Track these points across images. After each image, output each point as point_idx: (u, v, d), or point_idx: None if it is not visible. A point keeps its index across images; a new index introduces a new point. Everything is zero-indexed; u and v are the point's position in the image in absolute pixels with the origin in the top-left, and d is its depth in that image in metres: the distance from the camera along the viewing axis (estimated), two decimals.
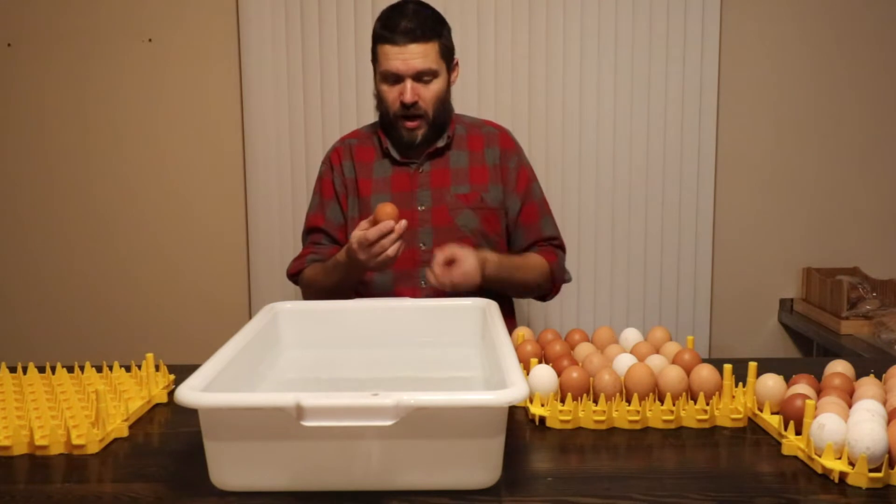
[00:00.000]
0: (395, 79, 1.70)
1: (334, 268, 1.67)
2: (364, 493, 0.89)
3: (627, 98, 2.65)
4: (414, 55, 1.67)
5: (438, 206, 1.77)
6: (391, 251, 1.48)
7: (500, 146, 1.84)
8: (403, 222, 1.48)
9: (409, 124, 1.73)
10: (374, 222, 1.48)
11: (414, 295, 1.72)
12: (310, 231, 1.84)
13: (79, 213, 2.71)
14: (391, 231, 1.47)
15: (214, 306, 2.73)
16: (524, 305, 2.52)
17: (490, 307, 1.32)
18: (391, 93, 1.72)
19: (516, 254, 1.81)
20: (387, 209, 1.48)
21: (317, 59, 2.61)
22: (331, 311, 1.41)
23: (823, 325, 2.58)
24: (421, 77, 1.70)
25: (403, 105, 1.70)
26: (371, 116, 2.61)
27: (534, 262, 1.80)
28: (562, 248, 1.89)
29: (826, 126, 2.74)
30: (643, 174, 2.69)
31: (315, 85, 2.62)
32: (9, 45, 2.64)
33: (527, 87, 2.64)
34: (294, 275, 1.82)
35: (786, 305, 2.80)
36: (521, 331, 1.41)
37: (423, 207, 1.77)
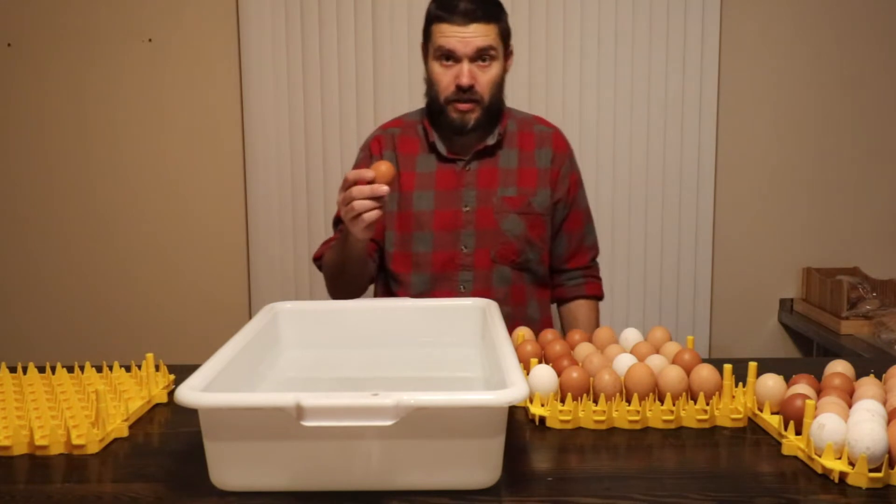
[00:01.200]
0: (452, 58, 1.62)
1: (339, 238, 1.61)
2: (364, 493, 0.89)
3: (627, 99, 2.66)
4: (475, 34, 1.59)
5: (483, 207, 1.70)
6: (357, 205, 1.34)
7: (553, 148, 1.76)
8: (384, 188, 1.33)
9: (462, 106, 1.63)
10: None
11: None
12: (339, 220, 1.73)
13: (79, 214, 2.71)
14: (369, 182, 1.33)
15: (214, 307, 2.73)
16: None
17: (490, 307, 1.32)
18: (445, 75, 1.64)
19: (583, 329, 1.74)
20: (381, 167, 1.36)
21: (317, 59, 2.61)
22: (331, 311, 1.41)
23: (823, 325, 2.58)
24: (480, 57, 1.62)
25: (459, 88, 1.62)
26: (370, 117, 2.63)
27: (593, 319, 1.81)
28: (596, 255, 1.86)
29: (826, 126, 2.74)
30: (643, 175, 2.69)
31: (315, 85, 2.62)
32: (9, 44, 2.64)
33: (527, 89, 2.64)
34: (317, 259, 1.76)
35: (786, 305, 2.80)
36: (522, 331, 1.41)
37: (468, 208, 1.70)
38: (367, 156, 1.76)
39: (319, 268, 1.76)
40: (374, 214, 1.36)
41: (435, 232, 1.70)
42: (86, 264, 2.73)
